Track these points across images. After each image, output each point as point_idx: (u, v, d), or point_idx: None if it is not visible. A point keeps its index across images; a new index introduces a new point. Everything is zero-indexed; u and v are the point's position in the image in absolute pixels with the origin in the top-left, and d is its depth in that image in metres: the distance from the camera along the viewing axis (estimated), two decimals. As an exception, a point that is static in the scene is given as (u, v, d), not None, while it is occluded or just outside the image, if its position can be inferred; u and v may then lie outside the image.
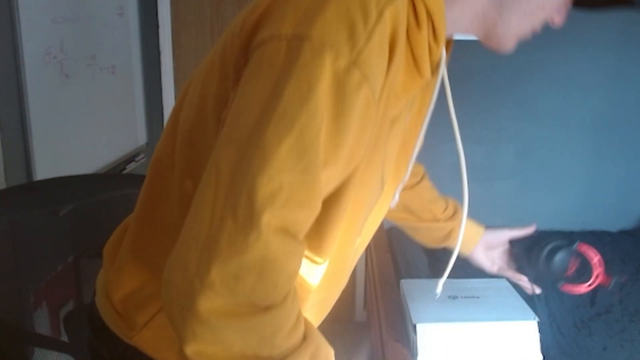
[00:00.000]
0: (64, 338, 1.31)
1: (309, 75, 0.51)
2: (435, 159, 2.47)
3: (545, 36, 2.61)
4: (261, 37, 0.54)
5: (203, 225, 0.52)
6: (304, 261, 0.63)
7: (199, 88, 0.64)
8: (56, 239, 1.58)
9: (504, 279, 1.69)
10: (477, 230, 1.25)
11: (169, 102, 2.40)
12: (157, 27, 2.29)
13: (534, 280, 1.30)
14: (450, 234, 1.21)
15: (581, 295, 1.91)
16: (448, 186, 2.68)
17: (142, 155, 2.14)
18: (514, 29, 0.72)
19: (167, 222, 0.67)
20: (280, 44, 0.53)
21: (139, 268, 0.69)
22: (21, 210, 1.37)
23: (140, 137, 2.14)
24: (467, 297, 1.55)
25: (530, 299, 1.78)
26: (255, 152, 0.51)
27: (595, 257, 1.28)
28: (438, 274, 2.14)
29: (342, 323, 2.57)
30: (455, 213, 1.20)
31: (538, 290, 1.17)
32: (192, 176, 0.64)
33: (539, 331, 1.41)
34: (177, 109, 0.68)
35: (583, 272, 1.29)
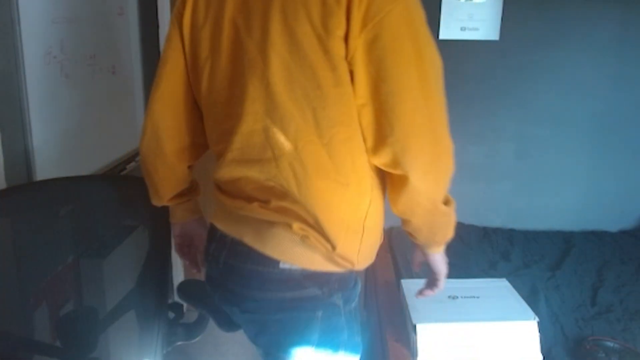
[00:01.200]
0: (63, 339, 1.31)
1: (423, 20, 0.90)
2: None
3: (545, 37, 2.62)
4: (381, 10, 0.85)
5: (433, 113, 0.92)
6: None
7: (303, 69, 0.89)
8: (56, 239, 1.58)
9: (504, 279, 1.69)
10: None
11: (169, 102, 2.39)
12: (157, 27, 2.29)
13: None
14: None
15: (582, 295, 1.91)
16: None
17: (142, 156, 2.14)
18: None
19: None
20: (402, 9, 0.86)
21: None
22: (21, 210, 1.37)
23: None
24: (467, 297, 1.55)
25: (530, 299, 1.78)
26: (428, 78, 0.90)
27: None
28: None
29: (342, 323, 2.56)
30: None
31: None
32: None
33: (540, 331, 1.41)
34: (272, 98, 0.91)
35: None
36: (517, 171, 2.51)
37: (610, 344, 1.52)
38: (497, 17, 2.32)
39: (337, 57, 0.87)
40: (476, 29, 2.34)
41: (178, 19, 1.04)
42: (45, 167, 1.45)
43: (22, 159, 1.38)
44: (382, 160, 0.93)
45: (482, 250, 2.25)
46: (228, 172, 0.99)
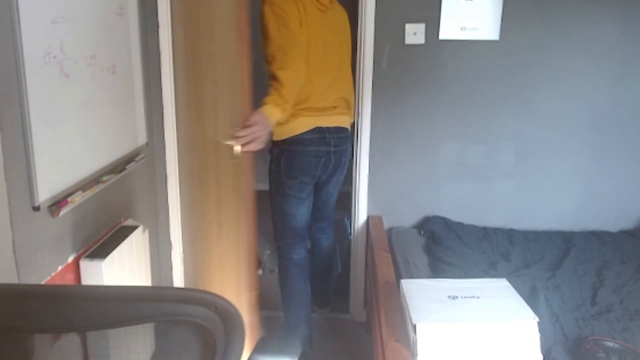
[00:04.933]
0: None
1: None
2: (435, 157, 2.48)
3: (545, 37, 2.61)
4: None
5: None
6: None
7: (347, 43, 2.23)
8: (56, 239, 1.58)
9: (504, 279, 1.69)
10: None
11: (169, 102, 2.39)
12: (157, 27, 2.29)
13: None
14: None
15: (582, 295, 1.91)
16: (448, 185, 2.66)
17: (142, 155, 2.14)
18: None
19: None
20: None
21: None
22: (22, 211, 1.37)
23: (140, 137, 2.14)
24: (467, 297, 1.55)
25: (530, 299, 1.78)
26: None
27: None
28: (438, 274, 2.14)
29: (341, 322, 2.57)
30: None
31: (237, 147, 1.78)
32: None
33: (540, 331, 1.41)
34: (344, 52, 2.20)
35: None
36: (517, 171, 2.52)
37: (610, 344, 1.52)
38: (497, 17, 2.32)
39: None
40: (476, 29, 2.34)
41: None
42: (45, 167, 1.45)
43: (22, 159, 1.38)
44: None
45: (482, 250, 2.25)
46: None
